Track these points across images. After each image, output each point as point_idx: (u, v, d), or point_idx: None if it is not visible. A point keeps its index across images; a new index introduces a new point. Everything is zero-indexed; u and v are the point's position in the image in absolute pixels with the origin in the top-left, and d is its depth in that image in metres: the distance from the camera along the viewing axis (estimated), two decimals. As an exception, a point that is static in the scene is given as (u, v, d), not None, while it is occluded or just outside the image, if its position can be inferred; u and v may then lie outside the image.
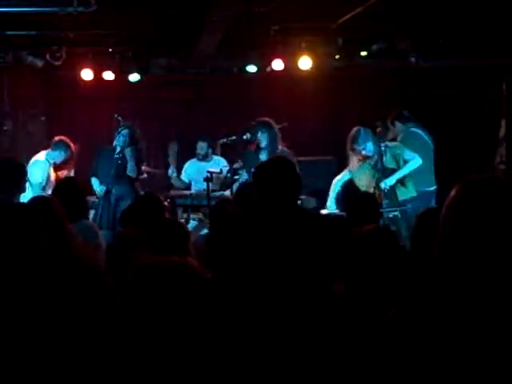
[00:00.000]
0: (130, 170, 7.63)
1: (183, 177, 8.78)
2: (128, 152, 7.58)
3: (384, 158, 7.01)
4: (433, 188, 7.73)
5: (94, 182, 7.81)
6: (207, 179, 7.27)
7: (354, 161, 7.15)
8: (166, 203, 7.45)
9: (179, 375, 1.67)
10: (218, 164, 8.25)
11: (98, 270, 3.73)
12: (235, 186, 7.66)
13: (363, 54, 8.70)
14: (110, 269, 3.92)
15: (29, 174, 7.57)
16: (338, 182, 7.27)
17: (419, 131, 8.08)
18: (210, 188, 7.27)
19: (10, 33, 7.91)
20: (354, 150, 7.06)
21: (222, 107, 9.83)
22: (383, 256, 3.00)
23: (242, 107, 8.64)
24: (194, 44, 8.16)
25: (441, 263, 1.71)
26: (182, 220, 7.25)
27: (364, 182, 7.12)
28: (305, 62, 8.53)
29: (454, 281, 1.67)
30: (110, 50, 8.51)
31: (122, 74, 8.77)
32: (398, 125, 8.09)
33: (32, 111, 9.43)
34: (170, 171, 8.65)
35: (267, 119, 7.53)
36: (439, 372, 1.61)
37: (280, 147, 7.40)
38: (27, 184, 7.36)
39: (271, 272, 3.44)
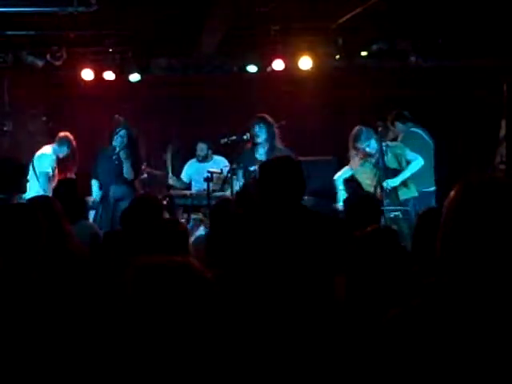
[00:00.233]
0: (126, 172, 7.62)
1: (183, 177, 8.78)
2: (122, 154, 7.57)
3: (385, 157, 7.02)
4: (432, 189, 7.74)
5: (94, 184, 7.81)
6: (207, 179, 7.26)
7: (355, 160, 7.16)
8: (164, 202, 7.46)
9: (179, 375, 1.67)
10: (219, 164, 8.24)
11: (94, 266, 3.74)
12: (232, 185, 7.69)
13: (363, 53, 8.70)
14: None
15: (36, 166, 7.78)
16: (338, 178, 7.28)
17: (419, 131, 8.09)
18: (210, 188, 7.26)
19: (10, 33, 7.91)
20: (356, 148, 7.07)
21: (222, 107, 9.83)
22: (384, 256, 3.00)
23: (242, 107, 8.63)
24: (194, 44, 8.16)
25: (441, 263, 1.71)
26: (183, 220, 7.25)
27: (366, 181, 7.13)
28: (305, 62, 8.53)
29: (455, 281, 1.67)
30: (111, 49, 8.52)
31: (122, 74, 8.77)
32: (398, 125, 8.10)
33: (32, 111, 9.42)
34: (170, 181, 8.63)
35: (265, 115, 7.49)
36: (440, 373, 1.61)
37: (279, 145, 7.37)
38: (34, 177, 7.47)
39: (272, 271, 3.44)
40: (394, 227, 6.36)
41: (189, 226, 6.76)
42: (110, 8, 6.87)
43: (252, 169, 7.37)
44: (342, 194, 7.17)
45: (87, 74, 8.65)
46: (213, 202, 6.50)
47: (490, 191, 1.69)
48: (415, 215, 6.34)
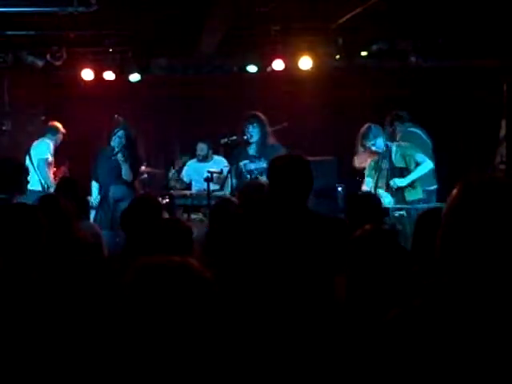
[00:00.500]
0: (125, 174, 7.61)
1: (183, 177, 8.78)
2: (120, 157, 7.54)
3: (393, 156, 7.01)
4: (434, 187, 7.74)
5: (94, 186, 7.80)
6: (207, 179, 7.27)
7: (362, 156, 7.16)
8: (165, 201, 7.46)
9: (178, 375, 1.67)
10: (219, 164, 8.24)
11: (104, 264, 3.74)
12: (228, 184, 7.70)
13: (363, 54, 8.70)
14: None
15: (34, 155, 8.04)
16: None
17: (418, 131, 8.09)
18: (210, 188, 7.26)
19: (10, 33, 7.92)
20: (364, 145, 7.07)
21: (222, 107, 9.83)
22: (383, 256, 3.00)
23: (242, 107, 8.63)
24: (194, 44, 8.16)
25: (441, 263, 1.71)
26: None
27: (374, 181, 7.12)
28: (305, 62, 8.53)
29: (455, 281, 1.67)
30: (111, 49, 8.52)
31: (122, 74, 8.77)
32: (397, 125, 8.10)
33: (32, 111, 9.43)
34: (171, 183, 8.64)
35: (258, 114, 7.48)
36: (441, 373, 1.61)
37: (271, 142, 7.37)
38: (31, 168, 7.59)
39: (272, 271, 3.44)
40: (399, 227, 6.38)
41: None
42: (110, 8, 6.87)
43: (243, 163, 7.39)
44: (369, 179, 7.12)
45: (87, 74, 8.66)
46: (213, 202, 6.50)
47: (490, 191, 1.69)
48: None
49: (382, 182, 7.09)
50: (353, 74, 9.29)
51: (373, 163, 7.13)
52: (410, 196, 7.05)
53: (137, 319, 1.66)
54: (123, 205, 7.12)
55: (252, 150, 7.41)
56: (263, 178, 6.59)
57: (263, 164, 7.22)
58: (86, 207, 5.96)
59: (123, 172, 7.59)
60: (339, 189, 7.79)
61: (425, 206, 6.38)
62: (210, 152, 8.74)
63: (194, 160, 8.82)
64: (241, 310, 3.32)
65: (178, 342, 1.66)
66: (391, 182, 6.94)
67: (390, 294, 2.85)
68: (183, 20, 7.57)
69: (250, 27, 8.13)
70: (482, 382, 1.59)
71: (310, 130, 9.81)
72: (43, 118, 9.44)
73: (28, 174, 5.66)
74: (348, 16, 7.46)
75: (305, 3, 7.14)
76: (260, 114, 7.46)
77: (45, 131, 8.64)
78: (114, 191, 7.55)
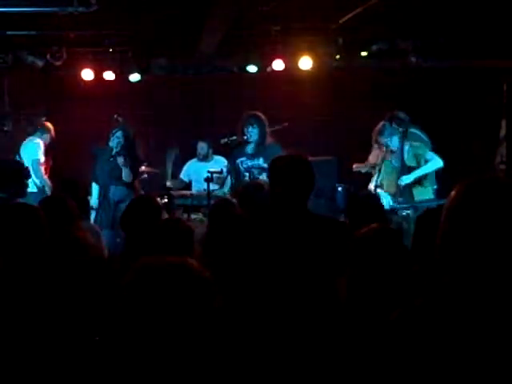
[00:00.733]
0: (125, 177, 7.57)
1: (183, 176, 8.78)
2: (120, 160, 7.49)
3: (405, 156, 7.01)
4: (434, 187, 7.72)
5: (94, 188, 7.79)
6: (207, 179, 7.26)
7: (376, 153, 7.16)
8: (164, 201, 7.45)
9: (178, 374, 1.67)
10: (219, 164, 8.24)
11: (104, 264, 3.74)
12: (228, 182, 7.70)
13: (363, 54, 8.70)
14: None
15: (25, 156, 8.03)
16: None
17: (417, 131, 8.08)
18: (211, 188, 7.26)
19: (10, 33, 7.92)
20: (378, 142, 7.07)
21: (222, 107, 9.83)
22: (386, 256, 2.99)
23: (242, 107, 8.63)
24: (194, 44, 8.16)
25: (441, 263, 1.71)
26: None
27: (385, 180, 7.10)
28: (305, 62, 8.53)
29: (456, 281, 1.67)
30: (111, 49, 8.52)
31: (122, 74, 8.77)
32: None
33: (32, 111, 9.42)
34: (168, 183, 8.62)
35: (259, 114, 7.47)
36: (443, 372, 1.61)
37: (268, 141, 7.37)
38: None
39: (272, 272, 3.43)
40: (406, 226, 6.36)
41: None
42: (110, 8, 6.87)
43: (239, 160, 7.39)
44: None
45: (87, 74, 8.66)
46: (213, 202, 6.49)
47: (490, 191, 1.69)
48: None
49: (388, 180, 7.06)
50: (353, 74, 9.29)
51: (388, 162, 7.10)
52: (419, 195, 7.00)
53: (137, 319, 1.66)
54: (123, 206, 7.12)
55: (250, 149, 7.41)
56: (263, 178, 6.60)
57: (260, 162, 7.23)
58: (87, 207, 5.96)
59: (124, 175, 7.55)
60: (339, 189, 7.78)
61: (434, 203, 6.30)
62: (211, 151, 8.74)
63: (195, 159, 8.82)
64: (240, 311, 3.32)
65: (178, 341, 1.66)
66: (399, 181, 6.93)
67: (393, 294, 2.85)
68: (183, 20, 7.57)
69: (250, 27, 8.13)
70: (484, 381, 1.59)
71: (310, 129, 9.81)
72: (44, 118, 9.43)
73: (29, 176, 5.66)
74: (348, 16, 7.46)
75: (305, 3, 7.14)
76: (260, 114, 7.45)
77: (33, 130, 8.59)
78: (114, 192, 7.53)
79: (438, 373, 1.61)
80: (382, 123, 7.11)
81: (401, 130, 7.09)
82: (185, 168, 8.85)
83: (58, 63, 8.33)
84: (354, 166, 7.96)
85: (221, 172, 7.73)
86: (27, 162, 8.02)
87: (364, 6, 6.93)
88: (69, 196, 4.75)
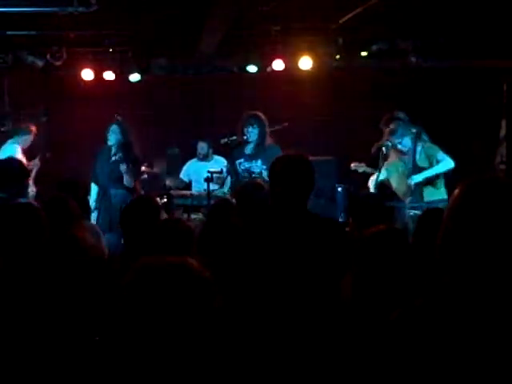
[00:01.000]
0: (127, 182, 7.51)
1: (183, 176, 8.78)
2: (123, 168, 7.42)
3: (417, 156, 6.99)
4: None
5: (93, 189, 7.75)
6: (207, 179, 7.26)
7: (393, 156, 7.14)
8: (163, 201, 7.44)
9: (177, 374, 1.67)
10: (219, 164, 8.24)
11: (104, 264, 3.75)
12: (227, 182, 7.69)
13: (363, 54, 8.71)
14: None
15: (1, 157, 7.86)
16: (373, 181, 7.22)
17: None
18: (210, 188, 7.26)
19: (10, 33, 7.92)
20: (392, 142, 7.05)
21: (222, 107, 9.83)
22: (393, 257, 2.99)
23: (242, 107, 8.63)
24: (194, 44, 8.16)
25: (442, 263, 1.71)
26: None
27: (395, 180, 7.08)
28: (305, 62, 8.53)
29: (456, 281, 1.67)
30: (111, 49, 8.52)
31: (122, 74, 8.77)
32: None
33: (32, 111, 9.42)
34: (167, 182, 8.60)
35: (259, 114, 7.46)
36: (444, 372, 1.61)
37: (268, 142, 7.36)
38: None
39: (271, 272, 3.43)
40: (412, 226, 6.34)
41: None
42: (110, 8, 6.88)
43: (238, 162, 7.39)
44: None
45: (87, 74, 8.66)
46: (213, 202, 6.49)
47: (491, 191, 1.69)
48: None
49: (398, 179, 7.03)
50: (353, 74, 9.30)
51: (401, 163, 7.07)
52: (430, 195, 6.95)
53: (137, 319, 1.66)
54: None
55: (248, 150, 7.41)
56: (263, 178, 6.59)
57: (258, 164, 7.23)
58: (87, 207, 5.95)
59: (125, 181, 7.47)
60: (339, 189, 7.79)
61: (443, 204, 6.25)
62: (211, 151, 8.74)
63: (195, 159, 8.83)
64: (240, 311, 3.31)
65: (178, 341, 1.66)
66: (409, 180, 6.90)
67: (399, 294, 2.84)
68: (183, 20, 7.57)
69: (250, 27, 8.14)
70: (484, 381, 1.59)
71: (310, 129, 9.81)
72: (43, 117, 9.43)
73: (29, 176, 5.66)
74: (348, 16, 7.46)
75: (305, 3, 7.14)
76: (260, 114, 7.44)
77: (14, 133, 8.40)
78: (115, 195, 7.50)
79: (438, 373, 1.61)
80: (394, 123, 7.06)
81: (414, 130, 7.06)
82: (185, 168, 8.85)
83: (58, 63, 8.33)
84: (353, 164, 7.94)
85: (221, 172, 7.72)
86: None
87: (364, 6, 6.94)
88: (70, 196, 4.76)
